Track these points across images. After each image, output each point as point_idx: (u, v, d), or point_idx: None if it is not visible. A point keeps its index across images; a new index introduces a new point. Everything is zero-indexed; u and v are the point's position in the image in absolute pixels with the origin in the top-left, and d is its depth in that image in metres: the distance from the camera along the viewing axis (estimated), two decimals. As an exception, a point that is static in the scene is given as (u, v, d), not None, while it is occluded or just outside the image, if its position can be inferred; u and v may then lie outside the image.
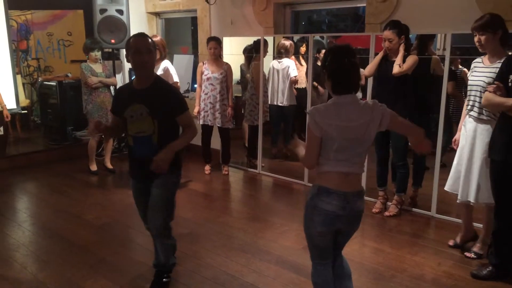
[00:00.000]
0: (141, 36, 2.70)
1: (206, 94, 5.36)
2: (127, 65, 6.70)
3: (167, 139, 2.71)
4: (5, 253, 3.52)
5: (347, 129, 2.15)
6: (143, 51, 2.62)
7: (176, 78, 4.95)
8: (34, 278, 3.15)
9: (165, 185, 2.78)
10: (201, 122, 5.45)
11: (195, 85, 5.81)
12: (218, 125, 5.44)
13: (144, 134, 2.71)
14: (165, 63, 4.93)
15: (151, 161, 2.62)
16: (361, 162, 2.24)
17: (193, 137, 2.86)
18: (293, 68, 5.90)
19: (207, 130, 5.54)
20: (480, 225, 3.48)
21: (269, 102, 6.12)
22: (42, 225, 4.10)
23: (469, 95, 3.26)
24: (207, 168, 5.66)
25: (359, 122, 2.16)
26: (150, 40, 2.69)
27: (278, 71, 5.93)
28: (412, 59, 3.91)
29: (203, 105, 5.39)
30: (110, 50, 6.10)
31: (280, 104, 6.01)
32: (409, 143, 2.38)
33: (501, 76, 2.88)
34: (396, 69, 3.89)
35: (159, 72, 4.76)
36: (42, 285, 3.04)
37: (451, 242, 3.59)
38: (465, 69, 5.91)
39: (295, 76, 5.81)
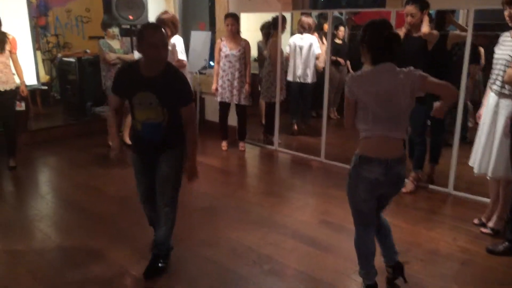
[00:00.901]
0: (155, 28, 2.62)
1: (224, 71, 5.37)
2: (145, 42, 6.72)
3: (176, 123, 2.72)
4: (30, 223, 3.64)
5: (379, 95, 2.27)
6: (159, 45, 2.55)
7: (181, 56, 4.92)
8: (58, 247, 3.26)
9: (174, 157, 2.78)
10: (218, 99, 5.48)
11: (211, 62, 5.84)
12: (236, 102, 5.46)
13: (153, 121, 2.69)
14: (174, 39, 4.90)
15: (160, 142, 2.71)
16: (400, 128, 2.34)
17: (196, 134, 2.82)
18: (317, 45, 5.90)
19: (224, 107, 5.57)
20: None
21: (290, 79, 6.12)
22: (64, 197, 4.21)
23: (494, 69, 3.22)
24: (224, 144, 5.71)
25: (391, 87, 2.28)
26: (163, 31, 2.64)
27: (301, 47, 5.92)
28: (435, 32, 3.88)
29: (221, 82, 5.40)
30: (128, 26, 6.11)
31: (303, 81, 6.02)
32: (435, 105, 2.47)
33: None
34: (426, 28, 3.85)
35: (178, 44, 4.81)
36: (65, 254, 3.15)
37: (476, 221, 3.57)
38: (480, 47, 5.81)
39: (319, 54, 5.85)
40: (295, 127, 6.29)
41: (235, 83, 5.37)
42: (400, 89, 2.28)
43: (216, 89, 5.44)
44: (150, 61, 2.60)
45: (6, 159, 4.93)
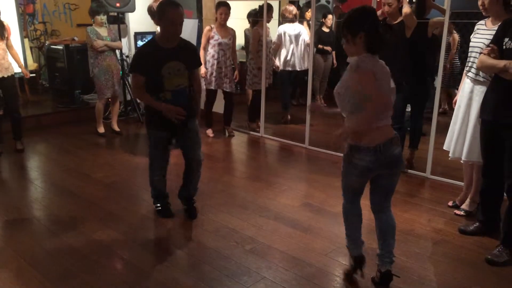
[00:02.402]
0: (176, 6, 2.99)
1: (216, 59, 5.42)
2: (132, 29, 6.77)
3: (190, 88, 3.25)
4: (20, 207, 3.73)
5: (383, 79, 2.32)
6: (178, 22, 2.99)
7: None
8: (47, 229, 3.36)
9: (196, 126, 3.34)
10: (207, 87, 5.54)
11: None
12: (226, 90, 5.54)
13: (181, 87, 3.16)
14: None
15: (187, 108, 3.15)
16: (389, 115, 2.42)
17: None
18: (306, 34, 6.01)
19: (213, 94, 5.65)
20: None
21: (281, 67, 6.20)
22: (53, 182, 4.30)
23: (469, 56, 3.35)
24: (210, 131, 5.80)
25: (387, 76, 2.37)
26: (181, 9, 3.02)
27: (291, 36, 6.02)
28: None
29: (211, 70, 5.44)
30: (115, 14, 6.15)
31: (297, 69, 6.13)
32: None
33: (496, 39, 2.95)
34: (407, 7, 3.90)
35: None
36: (54, 236, 3.25)
37: (450, 203, 3.73)
38: (454, 34, 5.96)
39: (308, 42, 5.98)
40: (289, 116, 6.38)
41: (226, 71, 5.46)
42: (390, 79, 2.39)
43: (205, 75, 5.49)
44: (169, 35, 3.04)
45: (13, 142, 5.11)
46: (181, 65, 3.11)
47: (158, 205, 3.57)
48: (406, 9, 3.88)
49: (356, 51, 2.33)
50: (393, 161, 2.41)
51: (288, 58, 6.17)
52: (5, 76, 4.76)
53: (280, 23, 6.52)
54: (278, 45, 6.19)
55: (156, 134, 3.30)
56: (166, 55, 3.06)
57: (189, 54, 3.19)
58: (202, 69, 5.50)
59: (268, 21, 5.71)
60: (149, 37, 5.33)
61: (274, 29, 6.48)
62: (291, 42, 6.09)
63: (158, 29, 4.95)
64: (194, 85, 3.29)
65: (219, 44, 5.39)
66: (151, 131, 3.33)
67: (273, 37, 6.23)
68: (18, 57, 5.07)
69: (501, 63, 2.82)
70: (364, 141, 2.34)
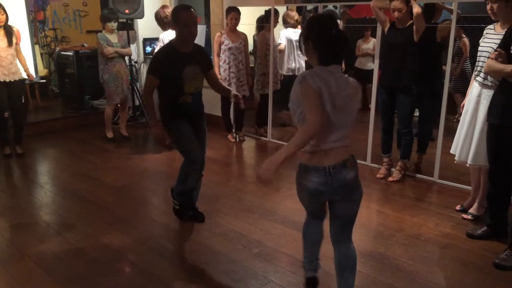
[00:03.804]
0: (189, 9, 3.11)
1: (228, 64, 5.45)
2: (141, 35, 6.84)
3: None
4: (30, 211, 3.79)
5: (340, 97, 2.03)
6: (191, 24, 3.09)
7: None
8: (57, 233, 3.40)
9: (205, 127, 3.46)
10: None
11: (211, 56, 5.93)
12: (241, 94, 5.55)
13: (198, 90, 3.29)
14: (169, 34, 4.97)
15: (202, 109, 3.40)
16: (348, 134, 2.15)
17: None
18: None
19: (228, 99, 5.67)
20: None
21: (284, 72, 6.23)
22: (62, 187, 4.35)
23: (478, 61, 3.34)
24: (231, 136, 5.82)
25: (348, 92, 2.07)
26: (194, 11, 3.14)
27: (293, 41, 6.04)
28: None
29: (225, 75, 5.47)
30: (124, 20, 6.22)
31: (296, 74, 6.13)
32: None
33: (504, 44, 2.94)
34: (417, 7, 3.85)
35: (166, 40, 4.83)
36: (64, 240, 3.29)
37: (458, 207, 3.71)
38: (464, 39, 5.94)
39: None
40: (281, 118, 6.39)
41: (239, 75, 5.49)
42: (351, 95, 2.09)
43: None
44: (185, 37, 3.14)
45: (13, 147, 5.18)
46: (198, 68, 3.22)
47: (177, 202, 3.47)
48: (416, 8, 3.86)
49: (313, 63, 2.12)
50: (346, 186, 2.13)
51: (291, 63, 6.19)
52: (12, 80, 4.87)
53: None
54: (281, 50, 6.22)
55: (179, 120, 3.25)
56: (185, 59, 3.16)
57: (203, 57, 3.32)
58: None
59: (274, 26, 5.74)
60: (157, 43, 5.38)
61: (279, 34, 6.51)
62: (293, 47, 6.11)
63: (161, 35, 5.06)
64: (217, 83, 3.45)
65: (229, 49, 5.42)
66: (173, 121, 3.25)
67: (279, 41, 6.26)
68: (24, 62, 5.14)
69: (509, 67, 2.82)
70: (313, 161, 2.10)
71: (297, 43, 5.95)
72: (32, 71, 5.88)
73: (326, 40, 2.06)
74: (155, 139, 3.20)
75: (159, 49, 3.37)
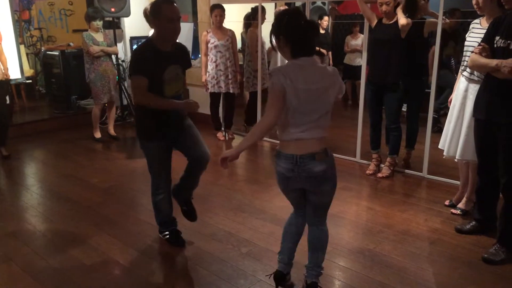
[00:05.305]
0: (171, 3, 2.75)
1: (214, 62, 5.42)
2: (128, 34, 6.77)
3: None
4: (16, 214, 3.73)
5: (308, 92, 2.12)
6: (175, 18, 2.73)
7: None
8: (43, 236, 3.35)
9: (193, 124, 3.10)
10: (210, 90, 5.54)
11: (199, 55, 5.89)
12: (230, 91, 5.53)
13: (178, 93, 2.96)
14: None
15: (181, 115, 3.00)
16: (321, 126, 2.20)
17: None
18: None
19: (216, 97, 5.65)
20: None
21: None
22: (49, 188, 4.30)
23: (464, 55, 3.34)
24: (220, 134, 5.81)
25: (320, 85, 2.14)
26: (176, 5, 2.79)
27: None
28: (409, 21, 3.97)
29: (213, 73, 5.44)
30: (110, 19, 6.15)
31: None
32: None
33: (487, 38, 2.94)
34: (404, 20, 3.90)
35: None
36: (50, 242, 3.25)
37: (447, 202, 3.72)
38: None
39: None
40: None
41: (227, 72, 5.46)
42: (326, 88, 2.15)
43: (206, 81, 5.50)
44: (168, 34, 2.77)
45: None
46: (179, 68, 2.92)
47: (166, 232, 3.20)
48: (402, 21, 3.90)
49: (287, 58, 2.19)
50: (314, 178, 2.22)
51: (280, 61, 6.15)
52: None
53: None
54: (270, 49, 6.18)
55: (155, 144, 2.96)
56: (166, 58, 2.81)
57: (184, 56, 3.02)
58: (203, 77, 5.51)
59: (262, 23, 5.71)
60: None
61: (267, 31, 6.47)
62: None
63: (150, 33, 4.98)
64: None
65: (215, 46, 5.39)
66: (149, 143, 2.97)
67: (267, 38, 6.22)
68: (5, 62, 4.99)
69: (493, 62, 2.81)
70: (283, 148, 2.24)
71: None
72: (17, 72, 5.82)
73: (296, 31, 2.12)
74: (195, 108, 2.93)
75: (137, 48, 2.97)
